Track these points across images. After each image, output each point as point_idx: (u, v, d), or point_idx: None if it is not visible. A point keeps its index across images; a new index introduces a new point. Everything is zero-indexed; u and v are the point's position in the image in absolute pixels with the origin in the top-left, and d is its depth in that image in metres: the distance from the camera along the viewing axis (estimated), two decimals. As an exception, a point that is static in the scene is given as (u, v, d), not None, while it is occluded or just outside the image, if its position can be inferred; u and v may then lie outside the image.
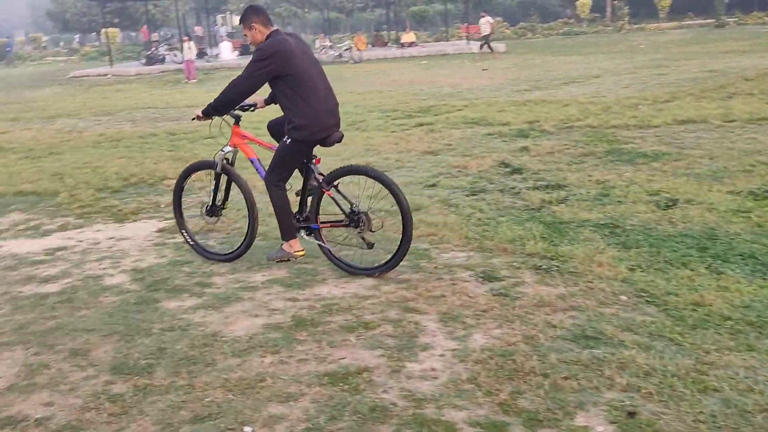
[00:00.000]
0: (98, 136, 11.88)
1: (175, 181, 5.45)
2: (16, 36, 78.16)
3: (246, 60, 32.53)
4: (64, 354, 3.71)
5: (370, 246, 4.63)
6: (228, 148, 4.96)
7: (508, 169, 7.63)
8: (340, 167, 4.69)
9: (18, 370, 3.56)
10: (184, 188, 5.34)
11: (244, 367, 3.44)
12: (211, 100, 4.64)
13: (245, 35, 4.69)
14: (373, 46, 35.63)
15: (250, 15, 4.56)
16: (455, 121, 11.12)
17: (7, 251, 5.67)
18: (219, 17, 44.92)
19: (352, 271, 4.67)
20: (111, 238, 5.88)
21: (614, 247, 4.87)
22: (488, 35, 27.11)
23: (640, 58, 21.04)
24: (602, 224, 5.41)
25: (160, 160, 9.31)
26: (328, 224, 4.76)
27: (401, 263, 4.60)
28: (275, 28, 4.58)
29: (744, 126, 9.06)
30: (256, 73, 4.41)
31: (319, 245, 4.76)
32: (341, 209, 4.63)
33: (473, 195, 6.65)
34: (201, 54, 34.56)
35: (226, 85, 4.55)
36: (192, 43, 25.29)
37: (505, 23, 45.14)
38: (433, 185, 7.11)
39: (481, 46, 26.97)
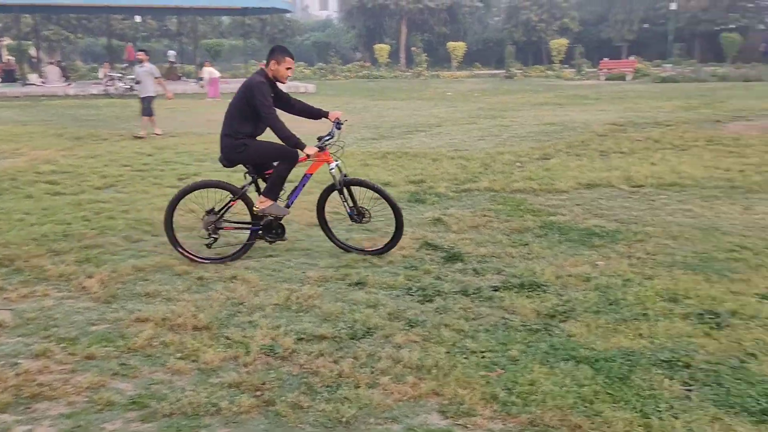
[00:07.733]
0: None
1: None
2: None
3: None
4: None
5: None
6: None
7: (439, 254, 5.84)
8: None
9: None
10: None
11: None
12: None
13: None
14: (166, 79, 32.22)
15: None
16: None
17: None
18: None
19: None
20: None
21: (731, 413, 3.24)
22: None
23: (466, 106, 20.40)
24: (665, 360, 3.79)
25: None
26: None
27: None
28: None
29: (659, 193, 8.11)
30: None
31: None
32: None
33: (428, 302, 4.77)
34: None
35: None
36: None
37: (303, 63, 43.74)
38: (360, 283, 5.11)
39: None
